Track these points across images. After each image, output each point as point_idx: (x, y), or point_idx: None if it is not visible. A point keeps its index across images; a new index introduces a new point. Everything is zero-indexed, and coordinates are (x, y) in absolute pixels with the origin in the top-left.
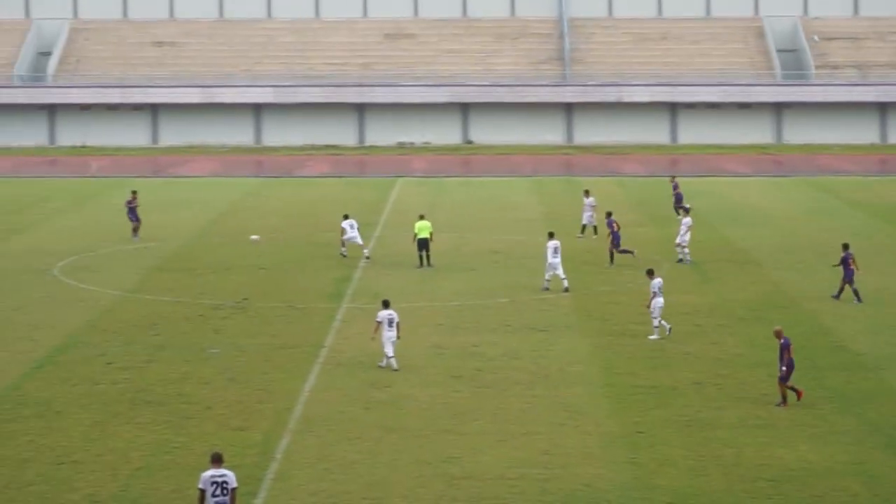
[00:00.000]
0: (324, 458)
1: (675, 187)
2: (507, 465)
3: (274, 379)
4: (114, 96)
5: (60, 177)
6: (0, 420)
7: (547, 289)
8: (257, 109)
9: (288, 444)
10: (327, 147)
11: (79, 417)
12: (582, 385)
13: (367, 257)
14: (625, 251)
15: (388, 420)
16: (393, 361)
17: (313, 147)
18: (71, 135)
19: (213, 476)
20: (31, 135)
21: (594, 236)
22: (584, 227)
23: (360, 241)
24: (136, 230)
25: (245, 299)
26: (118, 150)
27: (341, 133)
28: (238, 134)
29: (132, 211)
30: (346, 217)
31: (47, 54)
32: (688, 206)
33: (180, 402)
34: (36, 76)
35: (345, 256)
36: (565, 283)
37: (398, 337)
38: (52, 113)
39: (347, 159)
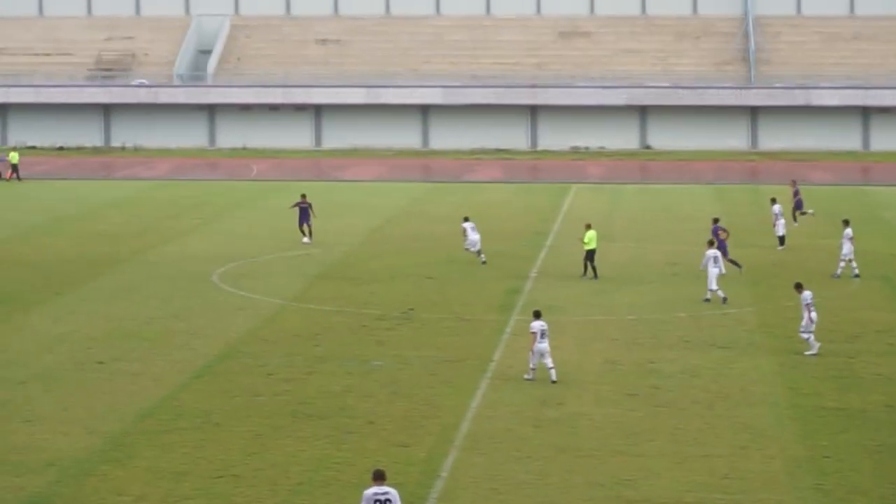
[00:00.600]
0: (491, 477)
1: (796, 193)
2: (684, 488)
3: (439, 393)
4: (275, 96)
5: (220, 180)
6: (158, 431)
7: (708, 300)
8: (424, 111)
9: (454, 462)
10: (498, 151)
11: (238, 430)
12: (765, 406)
13: (484, 262)
14: (733, 262)
15: (560, 439)
16: (553, 372)
17: (483, 151)
18: (231, 136)
19: (375, 494)
20: (191, 136)
21: (780, 248)
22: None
23: (477, 245)
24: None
25: (411, 310)
26: (279, 152)
27: (512, 136)
28: (404, 136)
29: (304, 212)
30: (466, 219)
31: (208, 52)
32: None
33: (342, 415)
34: (196, 75)
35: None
36: (720, 294)
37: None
38: (212, 113)
39: (519, 164)
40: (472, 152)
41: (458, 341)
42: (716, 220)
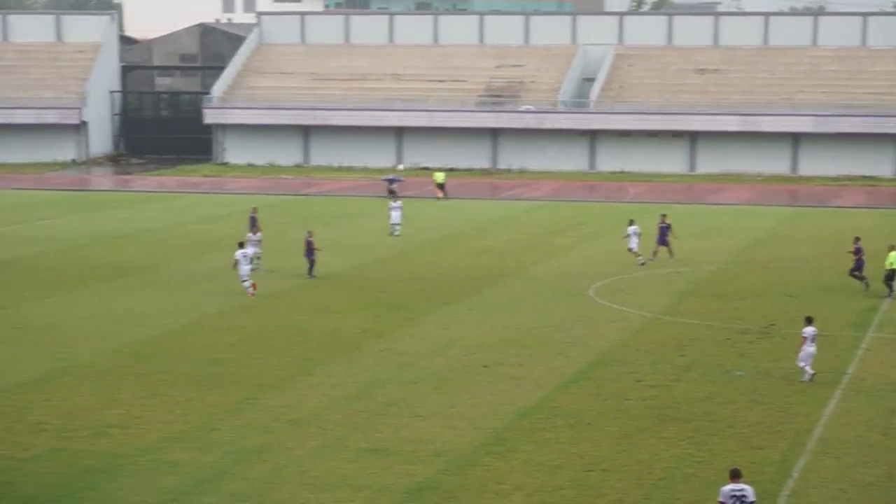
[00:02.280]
0: (839, 479)
1: None
2: None
3: (795, 402)
4: (654, 123)
5: (598, 201)
6: (535, 428)
7: None
8: (795, 138)
9: (805, 463)
10: (863, 178)
11: (607, 429)
12: None
13: (642, 263)
14: (858, 277)
15: None
16: (807, 371)
17: (848, 178)
18: (610, 160)
19: (732, 490)
20: (572, 159)
21: None
22: None
23: (634, 247)
24: (670, 252)
25: (772, 325)
26: (655, 176)
27: (878, 163)
28: (774, 163)
29: (663, 232)
30: (631, 223)
31: (591, 80)
32: None
33: (704, 419)
34: (579, 102)
35: (642, 264)
36: None
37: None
38: (593, 138)
39: (883, 190)
40: (838, 179)
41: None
42: (856, 240)
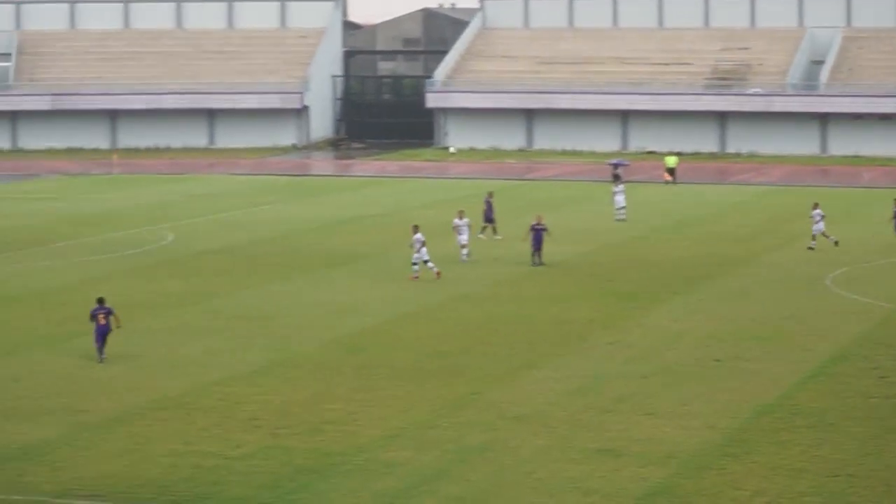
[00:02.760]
0: None
1: None
2: None
3: None
4: (887, 106)
5: (831, 186)
6: (775, 429)
7: None
8: None
9: None
10: None
11: (852, 430)
12: None
13: (836, 243)
14: None
15: None
16: None
17: None
18: (843, 144)
19: None
20: (802, 143)
21: None
22: None
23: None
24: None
25: None
26: (891, 160)
27: None
28: None
29: None
30: (815, 205)
31: (820, 62)
32: None
33: None
34: (808, 84)
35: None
36: None
37: None
38: (824, 122)
39: None
40: None
41: None
42: None
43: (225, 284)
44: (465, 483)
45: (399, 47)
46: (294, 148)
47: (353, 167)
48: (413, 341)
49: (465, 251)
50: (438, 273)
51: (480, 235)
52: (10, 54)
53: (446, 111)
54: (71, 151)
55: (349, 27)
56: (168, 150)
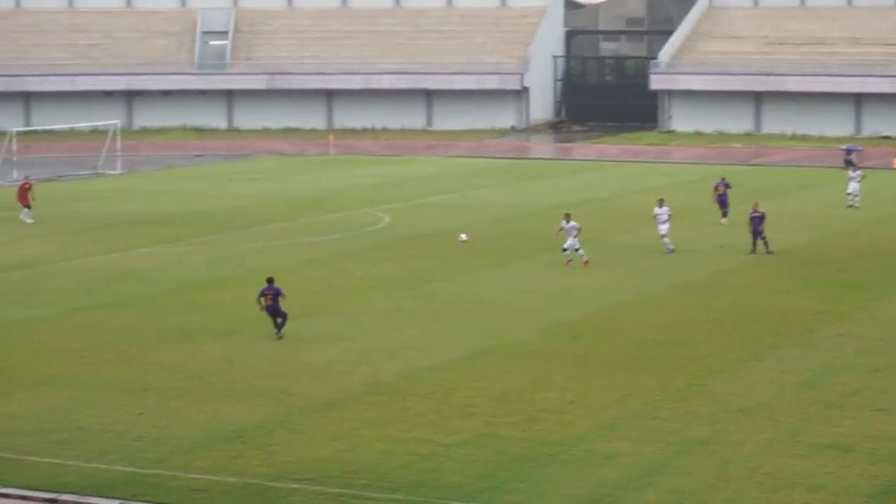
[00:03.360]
0: None
1: None
2: None
3: None
4: None
5: None
6: None
7: None
8: None
9: None
10: None
11: None
12: None
13: None
14: None
15: None
16: None
17: None
18: None
19: None
20: None
21: None
22: None
23: None
24: None
25: None
26: None
27: None
28: None
29: None
30: None
31: None
32: None
33: None
34: None
35: None
36: None
37: None
38: None
39: None
40: None
41: None
42: None
43: (440, 268)
44: (686, 476)
45: (622, 27)
46: (513, 130)
47: (573, 150)
48: (631, 330)
49: (666, 241)
50: (587, 261)
51: (723, 221)
52: (226, 32)
53: (670, 93)
54: (287, 132)
55: (571, 6)
56: (384, 131)
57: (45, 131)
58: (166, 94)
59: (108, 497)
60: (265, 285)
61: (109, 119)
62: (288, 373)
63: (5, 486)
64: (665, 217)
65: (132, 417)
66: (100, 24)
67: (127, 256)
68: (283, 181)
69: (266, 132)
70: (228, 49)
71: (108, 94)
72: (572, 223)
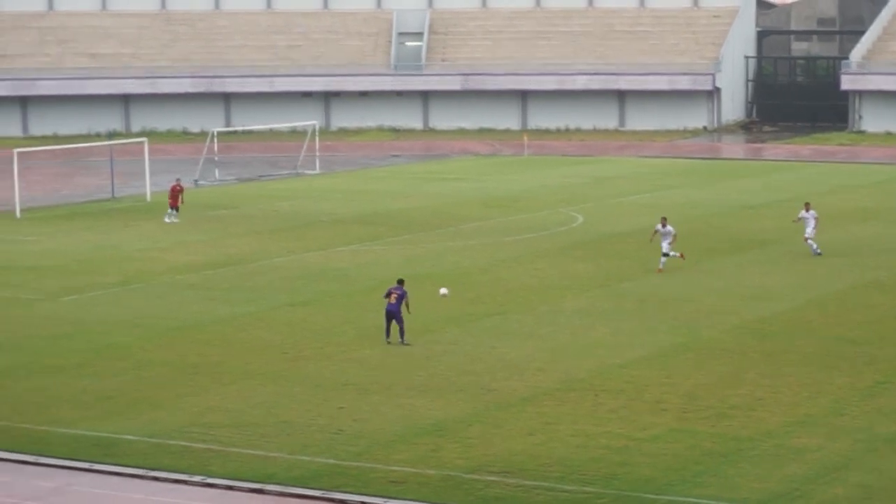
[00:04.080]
0: None
1: None
2: None
3: None
4: None
5: None
6: None
7: None
8: None
9: None
10: None
11: None
12: None
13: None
14: None
15: None
16: None
17: None
18: None
19: None
20: None
21: None
22: None
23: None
24: None
25: None
26: None
27: None
28: None
29: None
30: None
31: None
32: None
33: None
34: None
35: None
36: None
37: None
38: None
39: None
40: None
41: None
42: None
43: (632, 267)
44: (874, 472)
45: (813, 27)
46: (704, 131)
47: (764, 151)
48: (821, 328)
49: (810, 243)
50: (682, 255)
51: None
52: (422, 34)
53: (861, 94)
54: (481, 132)
55: (762, 6)
56: (577, 131)
57: (244, 132)
58: (363, 94)
59: (311, 488)
60: (394, 284)
61: (308, 120)
62: (484, 369)
63: (212, 476)
64: (811, 220)
65: (333, 411)
66: (298, 25)
67: (326, 255)
68: (478, 181)
69: (461, 132)
70: (423, 50)
71: (306, 95)
72: (668, 227)
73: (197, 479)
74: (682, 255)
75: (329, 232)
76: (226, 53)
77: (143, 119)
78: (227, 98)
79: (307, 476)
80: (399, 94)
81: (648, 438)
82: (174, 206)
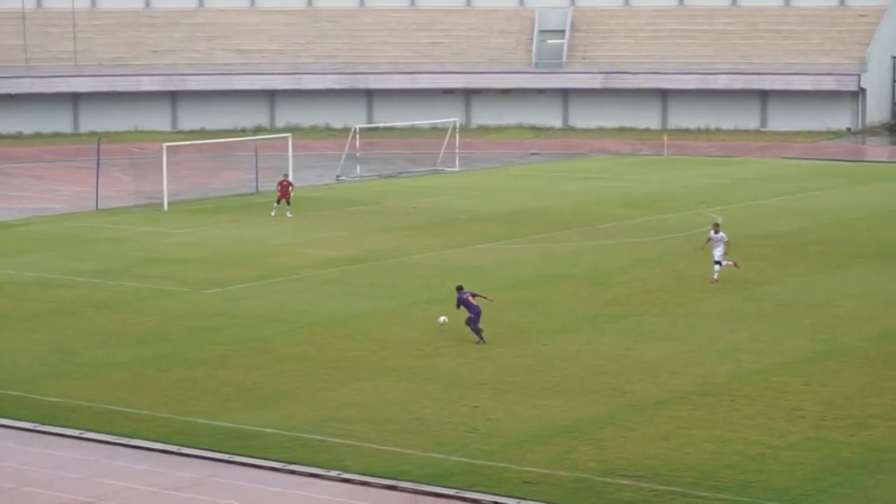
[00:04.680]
0: None
1: None
2: None
3: None
4: None
5: None
6: None
7: None
8: None
9: None
10: None
11: None
12: None
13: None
14: None
15: None
16: None
17: None
18: None
19: None
20: None
21: None
22: None
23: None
24: None
25: None
26: None
27: None
28: None
29: None
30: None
31: None
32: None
33: None
34: None
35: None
36: None
37: None
38: None
39: None
40: None
41: None
42: None
43: (772, 271)
44: None
45: None
46: (848, 132)
47: None
48: None
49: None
50: (736, 263)
51: None
52: (563, 31)
53: None
54: (621, 131)
55: None
56: (718, 131)
57: (385, 128)
58: (504, 92)
59: (444, 486)
60: (459, 294)
61: (448, 117)
62: (619, 370)
63: (347, 471)
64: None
65: (467, 410)
66: (440, 22)
67: (464, 252)
68: (617, 180)
69: (600, 131)
70: (565, 48)
71: (447, 92)
72: (721, 234)
73: (333, 473)
74: (735, 264)
75: (467, 229)
76: (369, 50)
77: (288, 115)
78: (369, 94)
79: (440, 474)
80: (539, 92)
81: (785, 446)
82: (283, 199)
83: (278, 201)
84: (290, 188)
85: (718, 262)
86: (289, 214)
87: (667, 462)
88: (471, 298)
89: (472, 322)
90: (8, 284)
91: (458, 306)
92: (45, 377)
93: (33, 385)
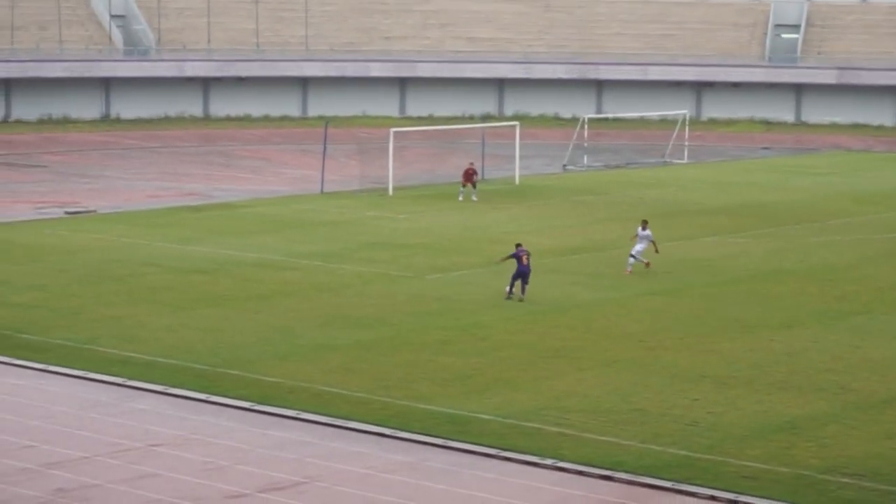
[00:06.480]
0: None
1: None
2: None
3: None
4: None
5: None
6: None
7: None
8: None
9: None
10: None
11: None
12: None
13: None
14: None
15: None
16: None
17: None
18: None
19: None
20: None
21: None
22: None
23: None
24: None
25: None
26: None
27: None
28: None
29: None
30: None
31: None
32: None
33: None
34: None
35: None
36: None
37: None
38: None
39: None
40: None
41: None
42: None
43: None
44: None
45: None
46: None
47: None
48: None
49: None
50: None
51: None
52: (798, 26)
53: None
54: (854, 127)
55: None
56: None
57: (614, 119)
58: (735, 86)
59: (660, 478)
60: (516, 249)
61: (678, 109)
62: (846, 368)
63: (564, 460)
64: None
65: (688, 402)
66: (672, 15)
67: (690, 245)
68: (848, 177)
69: (833, 127)
70: (799, 42)
71: (677, 85)
72: (647, 231)
73: (548, 461)
74: (647, 264)
75: (694, 222)
76: (602, 41)
77: (516, 103)
78: (599, 85)
79: (657, 466)
80: (771, 87)
81: None
82: (469, 184)
83: (464, 185)
84: (475, 176)
85: (632, 256)
86: (474, 198)
87: (891, 462)
88: (525, 258)
89: (515, 277)
90: (230, 265)
91: (506, 259)
92: (265, 358)
93: (253, 365)
